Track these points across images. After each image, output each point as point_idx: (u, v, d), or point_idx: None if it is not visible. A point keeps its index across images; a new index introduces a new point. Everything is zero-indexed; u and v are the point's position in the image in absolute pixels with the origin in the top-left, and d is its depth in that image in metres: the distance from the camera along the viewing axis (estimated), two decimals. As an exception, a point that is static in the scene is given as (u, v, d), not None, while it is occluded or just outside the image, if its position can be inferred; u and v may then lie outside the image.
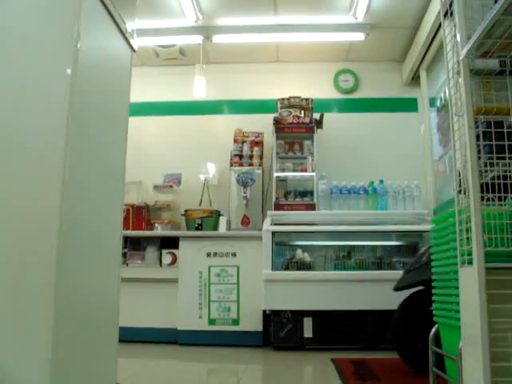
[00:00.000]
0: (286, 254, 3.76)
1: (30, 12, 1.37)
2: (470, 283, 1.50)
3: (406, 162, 4.47)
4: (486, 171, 1.59)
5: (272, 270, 3.56)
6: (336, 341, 3.43)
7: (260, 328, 3.68)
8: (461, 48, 1.59)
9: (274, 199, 4.11)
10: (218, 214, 4.18)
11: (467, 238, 1.54)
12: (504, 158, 1.61)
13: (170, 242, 3.91)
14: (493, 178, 1.59)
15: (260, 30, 4.30)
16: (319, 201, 4.09)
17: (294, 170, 4.29)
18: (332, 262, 3.73)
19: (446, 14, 1.77)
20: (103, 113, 1.59)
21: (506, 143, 1.62)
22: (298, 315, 3.50)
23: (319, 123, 4.31)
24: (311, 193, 4.15)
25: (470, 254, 1.52)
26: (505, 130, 1.63)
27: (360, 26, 4.19)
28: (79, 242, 1.38)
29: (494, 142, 1.60)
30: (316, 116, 4.32)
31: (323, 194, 4.11)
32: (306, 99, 4.41)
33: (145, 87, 4.65)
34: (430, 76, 4.41)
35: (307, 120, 4.28)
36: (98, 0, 1.48)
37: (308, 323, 3.48)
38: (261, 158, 4.38)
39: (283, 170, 4.27)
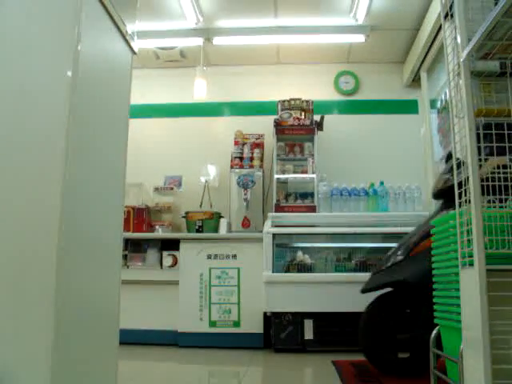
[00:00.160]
0: (286, 256, 3.76)
1: (31, 14, 1.37)
2: (470, 285, 1.50)
3: (407, 164, 4.46)
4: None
5: (273, 271, 3.57)
6: (337, 343, 3.43)
7: (261, 330, 3.67)
8: (461, 50, 1.59)
9: (274, 201, 4.11)
10: (219, 216, 4.18)
11: (468, 240, 1.54)
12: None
13: (171, 244, 3.91)
14: (493, 180, 1.59)
15: (260, 32, 4.30)
16: (320, 203, 4.08)
17: (295, 172, 4.29)
18: (333, 264, 3.72)
19: (446, 16, 1.77)
20: (103, 114, 1.59)
21: (507, 144, 1.62)
22: (298, 317, 3.49)
23: (320, 125, 4.30)
24: (312, 195, 4.15)
25: (470, 255, 1.51)
26: (505, 131, 1.63)
27: (360, 28, 4.19)
28: (79, 244, 1.38)
29: (494, 144, 1.60)
30: (316, 118, 4.32)
31: (324, 195, 4.10)
32: (307, 101, 4.42)
33: (145, 89, 4.66)
34: (431, 78, 4.41)
35: (308, 122, 4.28)
36: (98, 2, 1.49)
37: (309, 325, 3.48)
38: (261, 159, 4.38)
39: (284, 172, 4.27)
